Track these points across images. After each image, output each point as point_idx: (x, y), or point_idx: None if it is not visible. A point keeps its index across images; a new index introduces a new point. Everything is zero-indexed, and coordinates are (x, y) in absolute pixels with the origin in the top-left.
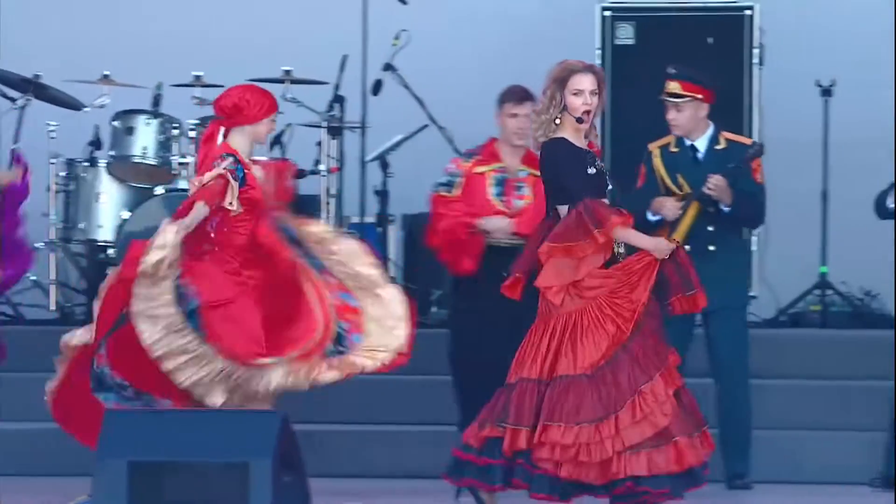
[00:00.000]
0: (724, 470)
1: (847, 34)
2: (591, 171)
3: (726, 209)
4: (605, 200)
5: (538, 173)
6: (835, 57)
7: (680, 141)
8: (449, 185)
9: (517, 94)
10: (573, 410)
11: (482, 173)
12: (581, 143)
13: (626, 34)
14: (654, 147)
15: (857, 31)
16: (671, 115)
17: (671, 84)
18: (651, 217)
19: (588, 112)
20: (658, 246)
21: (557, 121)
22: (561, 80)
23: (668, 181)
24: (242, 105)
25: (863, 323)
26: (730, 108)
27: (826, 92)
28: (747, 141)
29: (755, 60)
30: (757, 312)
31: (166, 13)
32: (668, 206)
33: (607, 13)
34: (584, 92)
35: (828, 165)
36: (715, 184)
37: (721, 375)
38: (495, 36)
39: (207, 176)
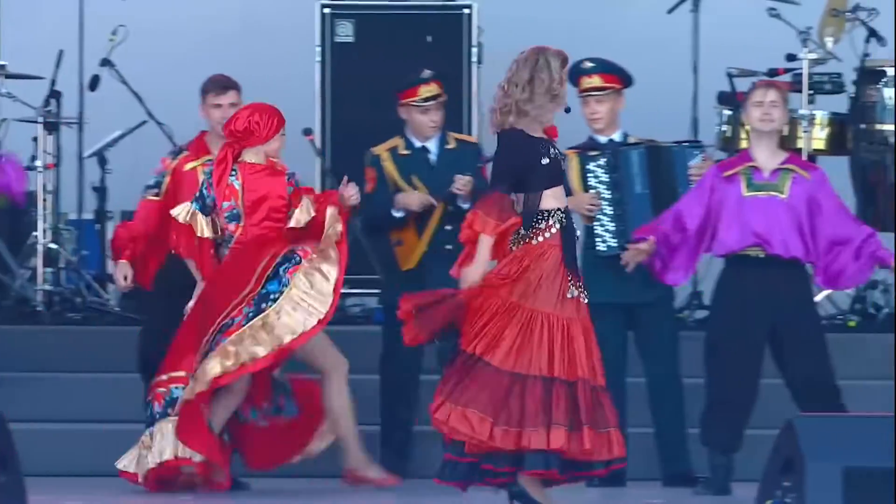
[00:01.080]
0: None
1: (564, 33)
2: (545, 161)
3: (466, 206)
4: (561, 188)
5: None
6: None
7: (409, 143)
8: (157, 185)
9: (219, 84)
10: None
11: (193, 168)
12: (540, 132)
13: (345, 32)
14: (381, 150)
15: (578, 30)
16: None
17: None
18: (396, 214)
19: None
20: (465, 275)
21: None
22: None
23: (401, 183)
24: (253, 128)
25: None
26: (449, 106)
27: None
28: (473, 140)
29: (474, 59)
30: None
31: None
32: (415, 197)
33: (327, 10)
34: None
35: None
36: (464, 184)
37: None
38: (215, 32)
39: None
